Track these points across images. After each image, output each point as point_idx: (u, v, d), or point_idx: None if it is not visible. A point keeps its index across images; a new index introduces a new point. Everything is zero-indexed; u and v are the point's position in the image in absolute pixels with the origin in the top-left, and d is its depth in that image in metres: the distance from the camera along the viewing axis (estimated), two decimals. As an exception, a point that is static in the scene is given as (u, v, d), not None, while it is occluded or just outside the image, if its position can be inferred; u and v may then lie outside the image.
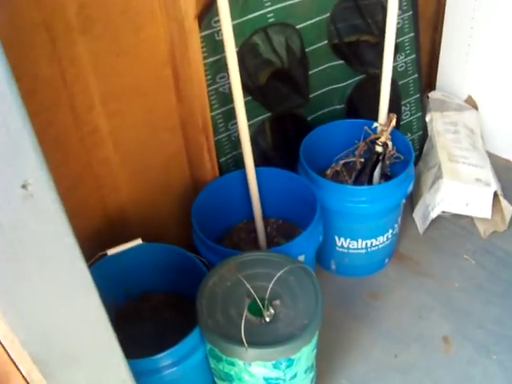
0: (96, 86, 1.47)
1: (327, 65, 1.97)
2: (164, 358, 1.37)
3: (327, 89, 2.02)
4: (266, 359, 1.29)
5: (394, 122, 1.74)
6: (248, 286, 1.34)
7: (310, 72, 1.93)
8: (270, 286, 1.34)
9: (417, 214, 2.23)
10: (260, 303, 1.33)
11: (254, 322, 1.32)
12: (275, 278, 1.34)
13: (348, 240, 1.94)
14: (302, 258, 1.63)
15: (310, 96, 1.96)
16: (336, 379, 1.79)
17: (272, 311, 1.34)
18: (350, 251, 1.98)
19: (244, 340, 1.24)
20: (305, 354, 1.35)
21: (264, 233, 1.86)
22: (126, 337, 1.63)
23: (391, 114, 1.76)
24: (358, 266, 2.05)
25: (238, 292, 1.38)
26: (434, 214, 2.10)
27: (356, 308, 1.99)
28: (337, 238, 1.95)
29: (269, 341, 1.27)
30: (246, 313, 1.31)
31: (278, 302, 1.36)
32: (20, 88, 0.63)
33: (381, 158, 1.85)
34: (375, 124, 1.80)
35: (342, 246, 1.97)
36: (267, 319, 1.32)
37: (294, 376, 1.38)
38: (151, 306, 1.73)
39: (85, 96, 1.46)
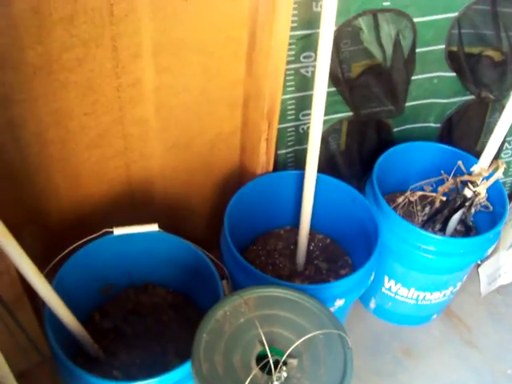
0: (149, 30, 1.17)
1: (436, 74, 1.62)
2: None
3: (427, 101, 1.68)
4: None
5: (500, 172, 1.40)
6: (261, 331, 1.04)
7: (413, 77, 1.59)
8: (295, 344, 1.04)
9: (483, 271, 1.89)
10: (271, 358, 1.03)
11: (258, 382, 1.03)
12: (304, 338, 1.04)
13: (399, 285, 1.62)
14: (341, 301, 1.33)
15: (405, 105, 1.62)
16: None
17: (284, 374, 1.04)
18: (397, 297, 1.66)
19: (238, 408, 0.95)
20: None
21: (306, 249, 1.55)
22: (116, 331, 1.41)
23: (500, 161, 1.41)
24: (400, 314, 1.74)
25: (250, 335, 1.08)
26: (505, 280, 1.77)
27: (383, 361, 1.69)
28: (386, 279, 1.64)
29: (269, 416, 0.98)
30: (254, 371, 1.02)
31: (294, 363, 1.06)
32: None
33: (467, 204, 1.51)
34: (474, 167, 1.46)
35: (389, 289, 1.66)
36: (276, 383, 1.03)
37: None
38: (153, 303, 1.47)
39: (132, 40, 1.16)
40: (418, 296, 1.63)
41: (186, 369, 1.11)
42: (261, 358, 1.06)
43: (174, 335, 1.40)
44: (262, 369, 1.05)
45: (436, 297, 1.64)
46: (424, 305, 1.67)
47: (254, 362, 1.04)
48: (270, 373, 1.04)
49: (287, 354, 1.03)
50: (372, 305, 1.76)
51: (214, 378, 1.01)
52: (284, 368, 1.04)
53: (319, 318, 1.12)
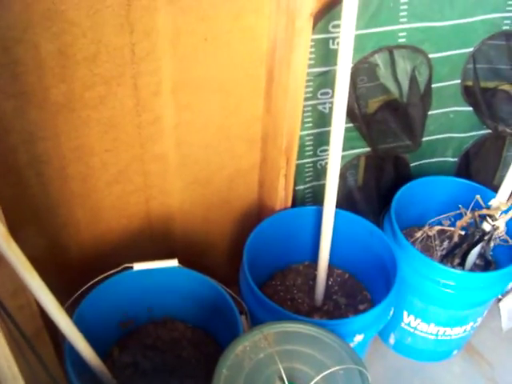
0: (170, 69, 1.20)
1: (452, 108, 1.63)
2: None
3: (443, 136, 1.68)
4: None
5: (520, 207, 1.40)
6: (281, 367, 1.04)
7: (430, 112, 1.60)
8: (315, 380, 1.03)
9: (504, 306, 1.87)
10: (292, 395, 1.02)
11: (278, 419, 1.02)
12: (324, 374, 1.03)
13: (418, 320, 1.61)
14: (360, 337, 1.32)
15: (422, 140, 1.63)
16: None
17: (304, 412, 1.04)
18: (417, 332, 1.65)
19: None
20: None
21: (324, 284, 1.55)
22: (135, 366, 1.41)
23: (520, 196, 1.41)
24: (420, 350, 1.71)
25: (270, 371, 1.08)
26: (527, 315, 1.75)
27: (403, 398, 1.66)
28: (405, 314, 1.62)
29: None
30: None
31: (314, 399, 1.05)
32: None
33: (486, 238, 1.51)
34: (492, 201, 1.45)
35: (408, 324, 1.64)
36: (295, 422, 1.02)
37: None
38: (172, 338, 1.46)
39: (153, 78, 1.19)
40: (438, 331, 1.61)
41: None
42: (281, 393, 1.06)
43: (192, 371, 1.39)
44: (281, 406, 1.05)
45: (456, 332, 1.62)
46: (444, 340, 1.65)
47: (273, 409, 1.04)
48: (289, 409, 1.04)
49: (307, 389, 1.03)
50: (391, 340, 1.74)
51: (233, 415, 1.01)
52: (303, 405, 1.04)
53: (339, 354, 1.11)
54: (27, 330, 1.18)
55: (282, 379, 1.05)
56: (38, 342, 1.25)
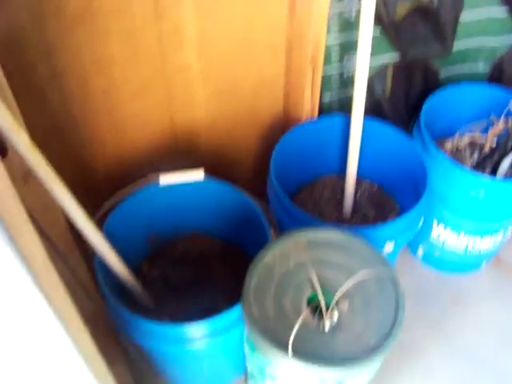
0: (190, -26, 1.14)
1: (485, 11, 1.54)
2: (193, 329, 1.11)
3: (475, 43, 1.61)
4: (310, 375, 1.00)
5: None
6: (314, 274, 1.03)
7: (461, 17, 1.52)
8: (346, 286, 1.02)
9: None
10: (323, 302, 1.02)
11: (310, 324, 1.02)
12: (355, 280, 1.03)
13: (448, 230, 1.59)
14: (390, 245, 1.31)
15: (453, 46, 1.56)
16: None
17: (336, 316, 1.03)
18: (446, 243, 1.63)
19: (290, 349, 0.95)
20: (361, 378, 1.06)
21: (352, 197, 1.53)
22: (165, 280, 1.42)
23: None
24: (449, 262, 1.70)
25: (301, 278, 1.08)
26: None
27: (431, 310, 1.66)
28: (435, 224, 1.60)
29: (320, 356, 0.97)
30: (304, 314, 1.01)
31: (345, 305, 1.05)
32: None
33: (520, 146, 1.47)
34: (528, 103, 1.41)
35: (437, 236, 1.62)
36: (327, 325, 1.02)
37: (340, 397, 1.09)
38: (200, 252, 1.47)
39: (172, -18, 1.14)
40: (468, 242, 1.59)
41: (235, 312, 1.12)
42: (311, 302, 1.06)
43: (222, 284, 1.40)
44: (313, 312, 1.05)
45: (486, 243, 1.60)
46: (473, 252, 1.63)
47: (304, 305, 1.03)
48: (320, 316, 1.04)
49: (338, 295, 1.02)
50: (419, 252, 1.73)
51: (264, 321, 1.01)
52: (335, 310, 1.04)
53: (370, 260, 1.10)
54: (59, 247, 1.19)
55: (312, 287, 1.05)
56: (70, 259, 1.26)
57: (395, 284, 1.08)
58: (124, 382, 1.44)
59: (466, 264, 1.71)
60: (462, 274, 1.75)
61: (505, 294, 1.71)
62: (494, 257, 1.77)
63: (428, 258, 1.73)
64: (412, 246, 1.76)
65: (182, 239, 1.48)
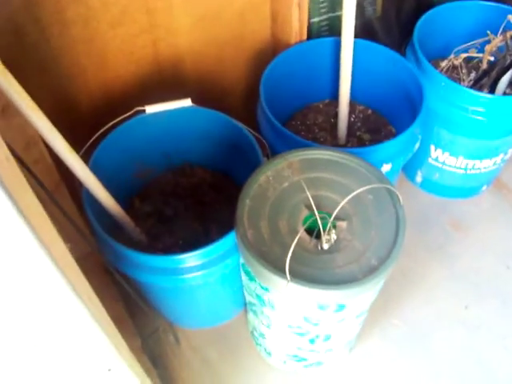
0: None
1: None
2: (187, 260, 1.08)
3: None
4: (310, 299, 0.97)
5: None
6: (309, 194, 0.99)
7: None
8: (342, 203, 0.98)
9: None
10: (320, 221, 0.98)
11: (307, 246, 0.99)
12: (351, 196, 0.98)
13: (446, 154, 1.55)
14: (387, 166, 1.27)
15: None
16: (388, 317, 1.48)
17: (334, 236, 1.00)
18: (445, 167, 1.60)
19: (287, 272, 0.92)
20: (362, 301, 1.03)
21: (347, 121, 1.48)
22: (157, 214, 1.39)
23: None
24: (449, 186, 1.67)
25: (296, 199, 1.04)
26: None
27: (432, 235, 1.64)
28: (433, 148, 1.56)
29: (319, 277, 0.94)
30: (300, 233, 0.97)
31: (343, 225, 1.02)
32: None
33: (518, 61, 1.41)
34: (527, 14, 1.35)
35: (436, 159, 1.59)
36: (325, 246, 0.99)
37: (341, 320, 1.07)
38: (192, 184, 1.43)
39: None
40: (467, 164, 1.55)
41: (229, 240, 1.08)
42: (308, 224, 1.02)
43: (215, 215, 1.37)
44: (311, 234, 1.02)
45: (485, 165, 1.56)
46: (473, 174, 1.60)
47: (300, 226, 1.00)
48: (318, 237, 1.00)
49: (335, 214, 0.98)
50: (419, 178, 1.70)
51: (259, 243, 0.98)
52: (333, 230, 1.01)
53: (367, 178, 1.06)
54: (45, 185, 1.15)
55: (308, 207, 1.02)
56: (58, 196, 1.22)
57: (395, 202, 1.04)
58: (121, 319, 1.43)
59: (466, 188, 1.68)
60: (462, 199, 1.71)
61: (505, 216, 1.69)
62: (495, 179, 1.74)
63: (427, 184, 1.70)
64: (410, 173, 1.72)
65: (173, 172, 1.44)
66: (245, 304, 1.38)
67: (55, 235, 0.64)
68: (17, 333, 0.64)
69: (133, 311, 1.45)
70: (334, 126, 1.51)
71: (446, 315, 1.48)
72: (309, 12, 1.41)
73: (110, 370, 0.73)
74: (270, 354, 1.34)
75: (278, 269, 0.93)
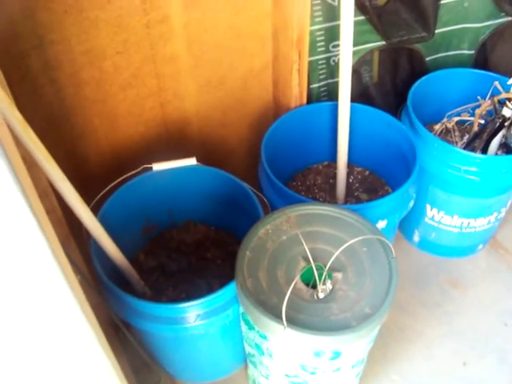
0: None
1: (466, -4, 1.58)
2: (188, 309, 1.12)
3: (458, 27, 1.64)
4: (306, 345, 1.01)
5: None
6: (306, 246, 1.05)
7: (442, 1, 1.55)
8: (336, 253, 1.03)
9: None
10: (316, 272, 1.03)
11: (304, 295, 1.04)
12: (344, 246, 1.04)
13: (442, 213, 1.61)
14: (383, 223, 1.32)
15: (436, 31, 1.59)
16: (387, 372, 1.50)
17: (329, 286, 1.05)
18: (441, 226, 1.65)
19: (284, 317, 0.96)
20: (357, 349, 1.07)
21: (345, 182, 1.55)
22: (161, 268, 1.43)
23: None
24: (445, 246, 1.72)
25: (293, 251, 1.09)
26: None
27: (430, 293, 1.67)
28: (428, 208, 1.62)
29: (315, 324, 0.98)
30: (296, 280, 1.02)
31: (339, 276, 1.06)
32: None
33: (507, 124, 1.48)
34: (511, 80, 1.43)
35: (431, 218, 1.64)
36: (321, 295, 1.03)
37: (338, 369, 1.10)
38: (195, 240, 1.48)
39: (157, -29, 1.17)
40: (462, 223, 1.61)
41: (230, 291, 1.12)
42: (304, 276, 1.07)
43: (218, 270, 1.42)
44: (307, 284, 1.06)
45: (480, 223, 1.62)
46: (469, 233, 1.65)
47: (298, 275, 1.05)
48: (314, 287, 1.05)
49: (329, 265, 1.03)
50: (416, 238, 1.75)
51: (258, 292, 1.03)
52: (329, 281, 1.05)
53: (361, 231, 1.12)
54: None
55: (306, 259, 1.07)
56: (67, 247, 1.27)
57: (388, 253, 1.09)
58: (124, 372, 1.45)
59: (463, 247, 1.73)
60: (459, 258, 1.76)
61: (502, 275, 1.72)
62: (491, 239, 1.79)
63: (424, 243, 1.74)
64: (408, 232, 1.77)
65: (177, 228, 1.49)
66: (245, 359, 1.41)
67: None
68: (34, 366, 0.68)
69: (135, 365, 1.47)
70: (333, 186, 1.57)
71: (444, 372, 1.50)
72: (308, 78, 1.50)
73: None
74: (269, 407, 1.36)
75: (276, 316, 0.97)
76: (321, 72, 1.54)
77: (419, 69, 1.67)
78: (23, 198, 0.54)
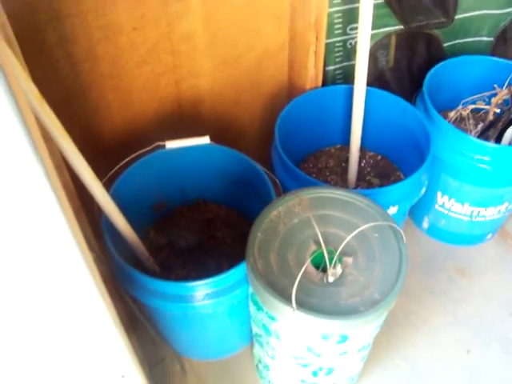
0: None
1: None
2: (198, 287, 1.13)
3: (478, 13, 1.62)
4: (314, 328, 1.01)
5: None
6: (317, 230, 1.04)
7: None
8: (347, 239, 1.04)
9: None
10: (327, 256, 1.03)
11: (313, 279, 1.04)
12: (356, 232, 1.04)
13: (452, 200, 1.60)
14: (394, 209, 1.32)
15: (456, 17, 1.57)
16: (391, 357, 1.51)
17: (339, 270, 1.05)
18: (451, 214, 1.64)
19: (293, 300, 0.96)
20: (364, 333, 1.07)
21: (357, 166, 1.54)
22: (171, 246, 1.44)
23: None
24: (454, 233, 1.71)
25: (305, 234, 1.09)
26: None
27: (437, 280, 1.68)
28: (439, 195, 1.61)
29: (324, 308, 0.98)
30: (307, 263, 1.02)
31: (349, 261, 1.07)
32: None
33: (523, 113, 1.47)
34: (530, 70, 1.41)
35: (442, 205, 1.64)
36: (331, 279, 1.04)
37: (344, 352, 1.10)
38: (206, 219, 1.49)
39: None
40: (472, 212, 1.60)
41: (240, 272, 1.13)
42: (315, 259, 1.07)
43: (228, 250, 1.42)
44: (318, 268, 1.07)
45: (490, 213, 1.61)
46: (478, 222, 1.64)
47: (308, 260, 1.05)
48: (325, 271, 1.05)
49: (340, 249, 1.04)
50: (425, 224, 1.75)
51: (268, 274, 1.03)
52: (339, 265, 1.06)
53: (373, 217, 1.12)
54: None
55: (316, 243, 1.07)
56: (78, 221, 1.28)
57: (399, 240, 1.09)
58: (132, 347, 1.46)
59: (472, 236, 1.72)
60: (467, 246, 1.75)
61: (510, 265, 1.72)
62: (500, 228, 1.78)
63: (433, 230, 1.74)
64: (417, 219, 1.77)
65: (188, 206, 1.50)
66: (251, 339, 1.42)
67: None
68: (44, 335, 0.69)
69: (142, 340, 1.49)
70: (345, 170, 1.57)
71: (447, 358, 1.51)
72: (324, 60, 1.49)
73: (123, 376, 0.78)
74: (273, 387, 1.37)
75: (285, 298, 0.98)
76: (337, 54, 1.52)
77: (436, 55, 1.65)
78: (42, 171, 0.54)
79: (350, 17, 1.46)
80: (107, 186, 1.25)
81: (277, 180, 1.33)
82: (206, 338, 1.40)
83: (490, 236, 1.76)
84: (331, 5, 1.41)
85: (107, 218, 1.14)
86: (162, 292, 1.14)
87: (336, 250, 1.05)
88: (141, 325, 1.37)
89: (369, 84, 1.40)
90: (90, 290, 0.65)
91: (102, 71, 1.29)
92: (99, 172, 1.21)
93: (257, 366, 1.42)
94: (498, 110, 1.55)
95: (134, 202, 1.35)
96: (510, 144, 1.58)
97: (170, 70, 1.36)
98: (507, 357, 1.51)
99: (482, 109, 1.62)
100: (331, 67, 1.54)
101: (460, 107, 1.61)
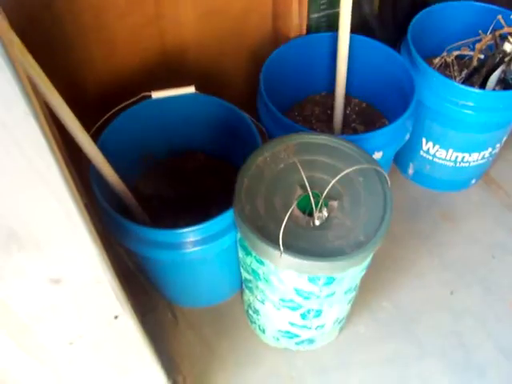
0: None
1: None
2: (187, 234, 1.15)
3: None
4: (301, 271, 1.04)
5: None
6: (303, 174, 1.06)
7: None
8: (333, 182, 1.06)
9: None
10: (313, 200, 1.05)
11: (300, 222, 1.06)
12: (341, 175, 1.06)
13: (437, 147, 1.62)
14: (379, 154, 1.34)
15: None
16: (378, 299, 1.55)
17: (325, 214, 1.07)
18: (435, 160, 1.67)
19: (281, 243, 0.99)
20: (350, 275, 1.10)
21: (342, 113, 1.55)
22: (160, 197, 1.46)
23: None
24: (439, 179, 1.74)
25: (291, 179, 1.11)
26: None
27: (422, 225, 1.71)
28: (424, 141, 1.63)
29: (310, 250, 1.01)
30: (293, 207, 1.04)
31: (335, 204, 1.09)
32: None
33: (506, 59, 1.48)
34: (515, 14, 1.42)
35: (427, 151, 1.66)
36: (317, 222, 1.06)
37: (331, 294, 1.14)
38: (194, 169, 1.50)
39: None
40: (457, 157, 1.62)
41: (227, 218, 1.15)
42: (301, 203, 1.09)
43: (216, 199, 1.43)
44: (304, 212, 1.09)
45: (474, 158, 1.63)
46: (462, 167, 1.67)
47: (295, 204, 1.07)
48: (311, 215, 1.08)
49: (326, 193, 1.06)
50: (410, 171, 1.77)
51: (255, 218, 1.05)
52: (325, 208, 1.08)
53: (358, 161, 1.13)
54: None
55: (303, 187, 1.09)
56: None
57: (383, 184, 1.11)
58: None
59: (456, 181, 1.75)
60: (451, 192, 1.78)
61: (493, 210, 1.76)
62: (484, 174, 1.81)
63: (418, 176, 1.77)
64: (402, 165, 1.79)
65: (175, 157, 1.51)
66: (241, 285, 1.45)
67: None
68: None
69: (133, 289, 1.51)
70: (331, 117, 1.58)
71: (432, 300, 1.55)
72: (308, 8, 1.48)
73: (116, 317, 0.80)
74: (263, 331, 1.41)
75: (273, 241, 1.00)
76: (321, 2, 1.51)
77: (421, 0, 1.64)
78: (34, 119, 0.54)
79: (334, -37, 1.45)
80: (94, 137, 1.26)
81: (263, 128, 1.35)
82: (196, 286, 1.43)
83: (473, 181, 1.79)
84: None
85: (95, 169, 1.15)
86: (152, 240, 1.16)
87: (322, 194, 1.07)
88: (133, 276, 1.39)
89: (353, 31, 1.40)
90: (79, 227, 0.66)
91: (84, 23, 1.28)
92: (86, 124, 1.22)
93: (247, 311, 1.45)
94: (483, 56, 1.56)
95: (122, 154, 1.35)
96: (494, 89, 1.60)
97: (153, 21, 1.35)
98: (489, 297, 1.56)
99: (467, 55, 1.63)
100: (315, 15, 1.53)
101: (445, 53, 1.62)
